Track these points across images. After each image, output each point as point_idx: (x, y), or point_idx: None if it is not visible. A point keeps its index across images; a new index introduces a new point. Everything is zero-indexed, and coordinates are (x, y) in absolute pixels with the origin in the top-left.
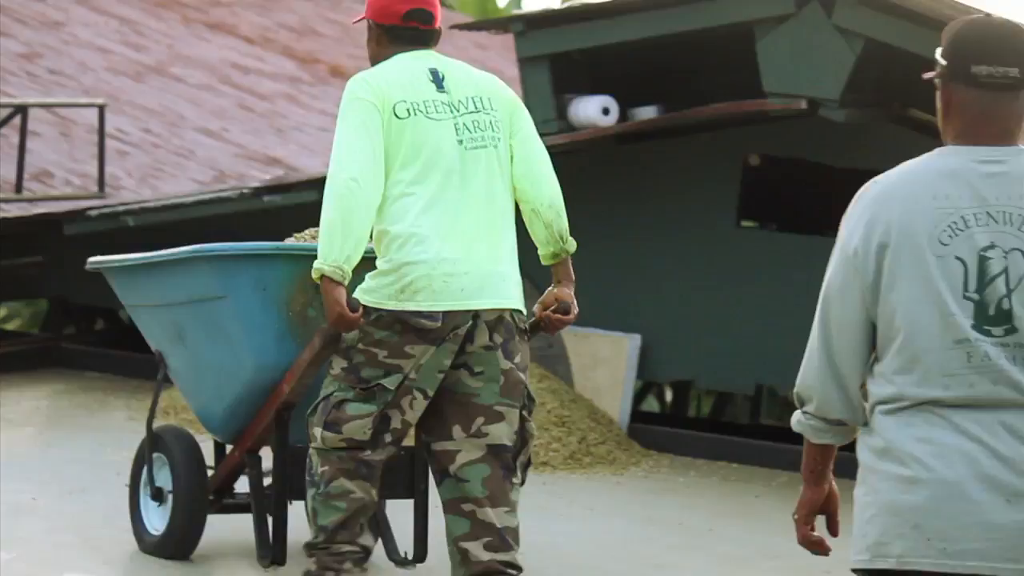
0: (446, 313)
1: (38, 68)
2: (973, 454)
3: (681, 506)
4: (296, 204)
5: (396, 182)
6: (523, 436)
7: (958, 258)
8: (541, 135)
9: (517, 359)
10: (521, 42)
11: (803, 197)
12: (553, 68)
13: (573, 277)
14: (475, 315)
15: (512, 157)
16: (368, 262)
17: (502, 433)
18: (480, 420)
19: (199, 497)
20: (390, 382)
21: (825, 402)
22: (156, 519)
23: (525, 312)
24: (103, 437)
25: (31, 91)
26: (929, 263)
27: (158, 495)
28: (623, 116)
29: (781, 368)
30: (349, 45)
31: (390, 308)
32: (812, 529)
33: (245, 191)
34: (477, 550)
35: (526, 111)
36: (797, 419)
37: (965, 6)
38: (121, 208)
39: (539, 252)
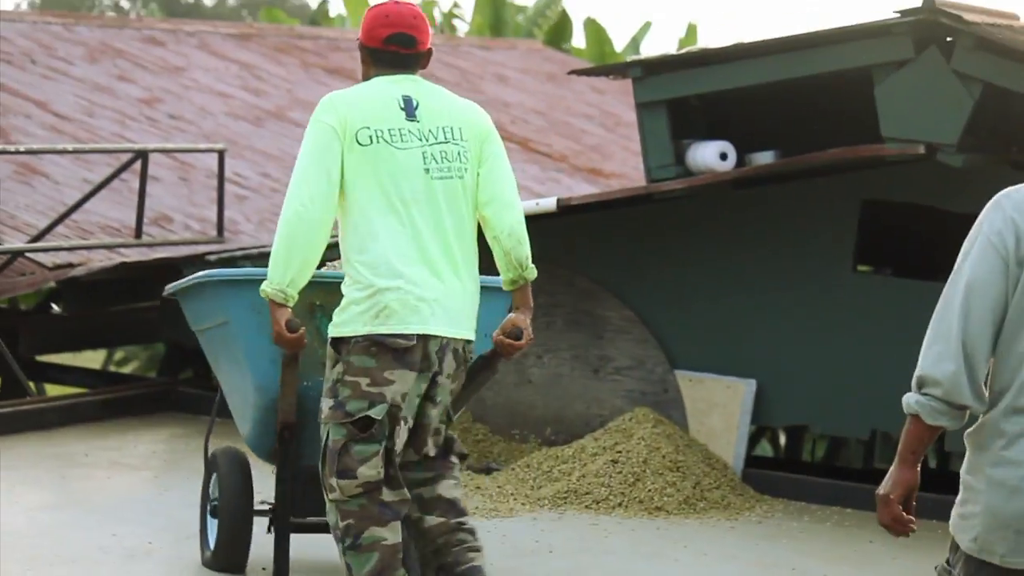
0: (419, 336)
1: (158, 113)
2: None
3: (795, 551)
4: None
5: (360, 210)
6: (447, 446)
7: None
8: (659, 180)
9: (454, 385)
10: (639, 87)
11: (919, 242)
12: (671, 113)
13: (531, 304)
14: (443, 343)
15: (478, 186)
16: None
17: (435, 443)
18: (429, 441)
19: (239, 513)
20: (377, 412)
21: (956, 387)
22: (214, 535)
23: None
24: None
25: (151, 136)
26: None
27: (215, 512)
28: (740, 161)
29: (895, 413)
30: (468, 91)
31: (365, 332)
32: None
33: None
34: (430, 521)
35: (498, 139)
36: (915, 399)
37: None
38: (240, 253)
39: (501, 277)
